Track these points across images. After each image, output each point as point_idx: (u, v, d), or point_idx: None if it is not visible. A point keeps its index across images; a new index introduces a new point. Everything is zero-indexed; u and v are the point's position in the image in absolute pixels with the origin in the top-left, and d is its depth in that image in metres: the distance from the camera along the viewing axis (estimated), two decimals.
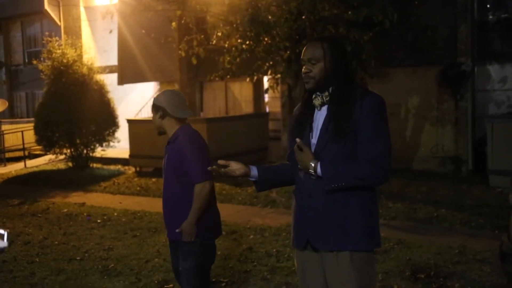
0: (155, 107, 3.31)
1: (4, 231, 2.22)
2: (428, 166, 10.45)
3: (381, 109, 2.41)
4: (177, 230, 3.17)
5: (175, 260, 3.35)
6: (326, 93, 2.46)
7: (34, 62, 13.79)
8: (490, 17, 10.53)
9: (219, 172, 2.56)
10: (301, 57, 2.50)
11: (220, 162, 2.56)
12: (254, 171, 2.58)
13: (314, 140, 2.47)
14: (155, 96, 3.38)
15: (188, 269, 3.17)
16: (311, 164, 2.38)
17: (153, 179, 10.72)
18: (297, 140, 2.40)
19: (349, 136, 2.37)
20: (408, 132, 10.78)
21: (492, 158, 8.68)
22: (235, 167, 2.54)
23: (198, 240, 3.18)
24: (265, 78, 12.37)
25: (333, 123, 2.41)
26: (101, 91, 12.89)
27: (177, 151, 3.22)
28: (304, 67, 2.47)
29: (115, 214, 7.85)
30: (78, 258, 5.66)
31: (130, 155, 12.19)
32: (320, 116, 2.49)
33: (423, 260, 5.12)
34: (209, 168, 2.62)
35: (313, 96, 2.51)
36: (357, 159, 2.37)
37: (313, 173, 2.39)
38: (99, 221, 7.42)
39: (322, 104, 2.48)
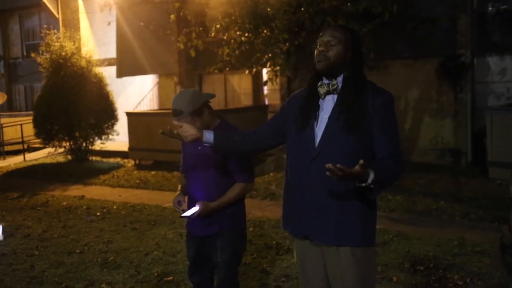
0: (197, 111, 2.98)
1: None
2: (427, 158, 10.45)
3: (393, 105, 2.44)
4: (196, 205, 3.08)
5: (198, 252, 3.29)
6: (334, 81, 2.41)
7: (33, 55, 13.74)
8: (490, 8, 10.49)
9: (173, 135, 2.52)
10: (319, 38, 2.43)
11: (175, 123, 2.53)
12: (208, 137, 2.53)
13: (319, 130, 2.41)
14: (179, 103, 2.96)
15: (229, 259, 3.21)
16: (369, 178, 2.16)
17: (152, 172, 10.72)
18: (329, 165, 2.06)
19: (361, 129, 2.33)
20: (407, 125, 10.77)
21: (491, 150, 8.67)
22: (188, 132, 2.50)
23: (240, 231, 3.24)
24: (264, 71, 12.33)
25: (345, 112, 2.35)
26: (100, 84, 12.88)
27: None
28: (320, 46, 2.41)
29: (115, 207, 7.85)
30: (77, 251, 5.66)
31: (129, 148, 12.19)
32: (325, 105, 2.43)
33: (422, 252, 5.12)
34: (160, 131, 2.53)
35: (319, 83, 2.45)
36: (365, 154, 2.29)
37: (364, 185, 2.19)
38: (98, 214, 7.42)
39: (327, 93, 2.43)
